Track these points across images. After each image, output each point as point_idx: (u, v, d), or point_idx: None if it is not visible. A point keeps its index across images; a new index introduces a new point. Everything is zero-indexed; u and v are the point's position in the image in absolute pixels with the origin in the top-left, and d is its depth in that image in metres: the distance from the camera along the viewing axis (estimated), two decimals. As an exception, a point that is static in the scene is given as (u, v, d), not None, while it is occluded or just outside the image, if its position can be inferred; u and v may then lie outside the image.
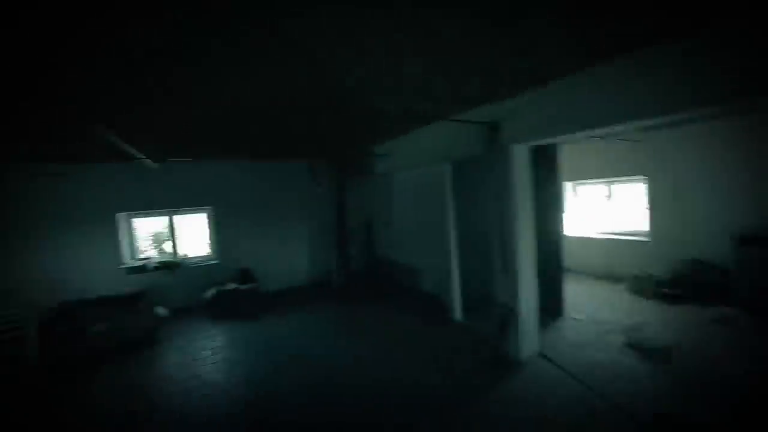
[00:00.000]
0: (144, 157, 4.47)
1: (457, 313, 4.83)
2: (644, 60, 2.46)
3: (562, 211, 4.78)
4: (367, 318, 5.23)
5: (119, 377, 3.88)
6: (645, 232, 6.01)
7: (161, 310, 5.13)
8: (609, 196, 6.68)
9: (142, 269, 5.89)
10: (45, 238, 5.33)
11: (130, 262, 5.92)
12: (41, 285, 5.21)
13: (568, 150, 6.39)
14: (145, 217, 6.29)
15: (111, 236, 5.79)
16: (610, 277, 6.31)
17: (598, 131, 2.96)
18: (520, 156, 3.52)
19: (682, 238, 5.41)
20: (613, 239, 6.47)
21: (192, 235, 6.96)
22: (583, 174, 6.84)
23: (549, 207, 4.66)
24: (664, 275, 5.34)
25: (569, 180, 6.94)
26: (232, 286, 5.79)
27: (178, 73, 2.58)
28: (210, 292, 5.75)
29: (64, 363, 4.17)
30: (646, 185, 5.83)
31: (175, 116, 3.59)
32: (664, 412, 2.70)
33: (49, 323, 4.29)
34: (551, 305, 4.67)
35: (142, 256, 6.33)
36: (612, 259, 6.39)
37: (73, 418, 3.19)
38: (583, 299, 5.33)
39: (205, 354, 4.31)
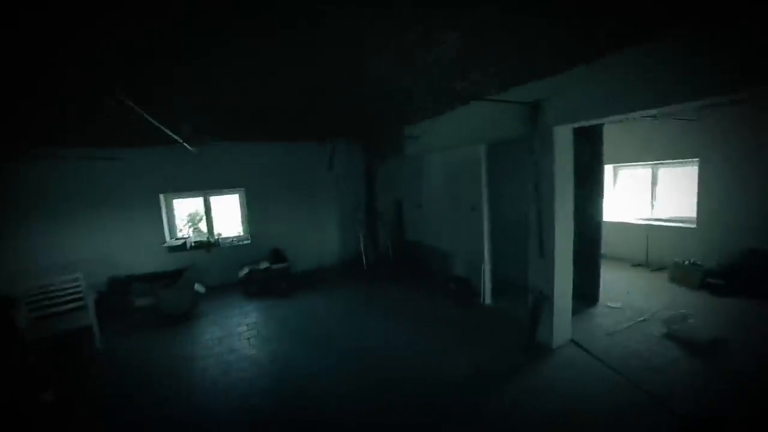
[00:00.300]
0: (182, 140, 4.61)
1: (488, 297, 4.79)
2: (705, 35, 2.22)
3: (602, 196, 4.54)
4: (396, 299, 5.28)
5: (163, 348, 4.15)
6: (691, 218, 5.63)
7: (199, 287, 5.41)
8: (653, 180, 6.27)
9: (182, 248, 6.19)
10: (97, 217, 5.70)
11: (170, 241, 6.23)
12: (95, 261, 5.60)
13: (609, 131, 6.01)
14: (184, 198, 6.56)
15: (154, 216, 6.10)
16: (650, 265, 6.01)
17: (652, 111, 2.73)
18: (563, 138, 3.34)
19: (735, 225, 5.02)
20: (655, 225, 6.12)
21: (226, 215, 7.21)
22: (626, 156, 6.44)
23: (589, 191, 4.44)
24: (711, 264, 5.01)
25: (609, 163, 6.55)
26: (264, 265, 5.99)
27: (230, 66, 2.64)
28: (243, 271, 5.98)
29: (115, 332, 4.53)
30: (698, 168, 5.40)
31: (222, 102, 3.67)
32: (706, 410, 2.57)
33: (100, 296, 4.63)
34: (586, 292, 4.53)
35: (180, 235, 6.64)
36: (653, 247, 6.07)
37: (126, 381, 3.47)
38: (619, 287, 5.13)
39: (241, 329, 4.53)
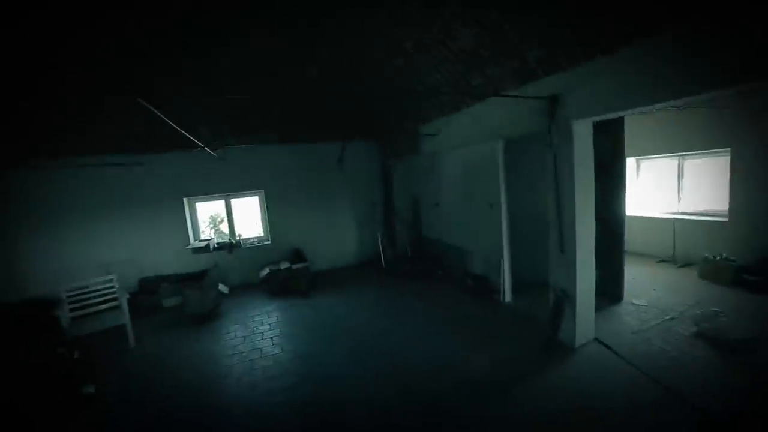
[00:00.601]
0: (204, 145, 4.77)
1: (507, 295, 4.74)
2: (730, 22, 2.12)
3: (625, 190, 4.41)
4: (414, 298, 5.30)
5: (191, 346, 4.32)
6: (722, 211, 5.38)
7: (223, 288, 5.59)
8: (680, 173, 6.03)
9: (205, 249, 6.40)
10: (127, 221, 5.98)
11: (194, 243, 6.46)
12: (125, 263, 5.89)
13: (632, 122, 5.81)
14: (206, 201, 6.78)
15: (179, 219, 6.34)
16: (677, 261, 5.79)
17: (676, 102, 2.64)
18: (583, 132, 3.27)
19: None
20: (682, 219, 5.88)
21: (246, 216, 7.40)
22: (649, 148, 6.22)
23: (611, 185, 4.33)
24: (744, 259, 4.78)
25: (632, 155, 6.34)
26: (284, 265, 6.12)
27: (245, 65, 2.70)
28: (264, 271, 6.13)
29: (145, 330, 4.75)
30: (729, 158, 5.14)
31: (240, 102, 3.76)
32: (735, 411, 2.48)
33: (131, 296, 4.86)
34: (610, 289, 4.42)
35: (203, 237, 6.87)
36: (680, 241, 5.84)
37: (157, 377, 3.64)
38: (645, 283, 4.97)
39: (263, 329, 4.66)
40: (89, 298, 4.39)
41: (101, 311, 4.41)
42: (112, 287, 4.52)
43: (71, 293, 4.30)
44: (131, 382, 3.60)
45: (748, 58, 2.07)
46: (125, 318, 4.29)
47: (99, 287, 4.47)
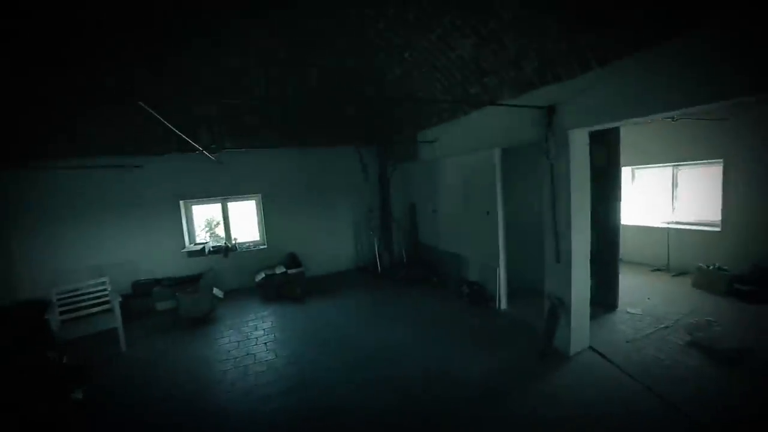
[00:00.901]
0: (201, 148, 4.76)
1: (503, 303, 4.75)
2: (732, 30, 2.16)
3: (620, 199, 4.46)
4: (410, 305, 5.29)
5: (184, 350, 4.27)
6: (715, 221, 5.45)
7: (218, 292, 5.54)
8: (674, 182, 6.11)
9: (200, 253, 6.35)
10: (121, 224, 5.91)
11: (190, 247, 6.41)
12: (119, 266, 5.82)
13: (627, 132, 5.89)
14: (203, 204, 6.74)
15: (175, 222, 6.29)
16: (671, 270, 5.84)
17: (673, 113, 2.68)
18: (579, 141, 3.31)
19: (763, 228, 4.82)
20: (676, 228, 5.94)
21: (242, 220, 7.35)
22: (644, 158, 6.30)
23: (606, 194, 4.37)
24: (738, 269, 4.83)
25: (627, 164, 6.42)
26: (280, 270, 6.08)
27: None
28: (260, 276, 6.09)
29: (138, 334, 4.69)
30: (722, 169, 5.22)
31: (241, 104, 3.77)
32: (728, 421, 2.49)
33: (124, 299, 4.80)
34: (604, 298, 4.44)
35: (198, 240, 6.81)
36: (674, 251, 5.89)
37: (149, 382, 3.58)
38: (639, 292, 5.00)
39: (258, 334, 4.61)
40: (80, 301, 4.33)
41: (93, 314, 4.35)
42: (104, 290, 4.46)
43: (62, 296, 4.24)
44: (122, 387, 3.54)
45: (746, 69, 2.10)
46: (117, 321, 4.23)
47: (91, 290, 4.41)
